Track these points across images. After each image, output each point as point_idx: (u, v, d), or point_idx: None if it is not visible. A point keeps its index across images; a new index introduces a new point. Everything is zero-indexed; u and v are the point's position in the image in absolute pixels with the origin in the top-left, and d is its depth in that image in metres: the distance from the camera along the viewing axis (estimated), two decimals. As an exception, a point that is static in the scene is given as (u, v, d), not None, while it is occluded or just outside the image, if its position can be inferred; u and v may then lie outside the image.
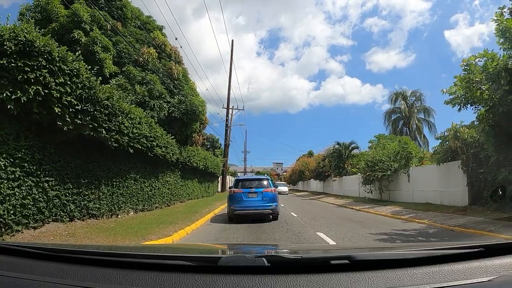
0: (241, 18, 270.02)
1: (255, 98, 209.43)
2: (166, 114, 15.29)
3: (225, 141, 35.24)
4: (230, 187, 13.29)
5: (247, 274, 1.16)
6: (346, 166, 30.89)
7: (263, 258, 1.21)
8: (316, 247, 3.94)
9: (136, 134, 10.50)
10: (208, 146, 62.70)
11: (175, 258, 1.38)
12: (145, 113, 11.58)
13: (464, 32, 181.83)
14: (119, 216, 11.38)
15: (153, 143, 12.33)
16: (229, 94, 35.25)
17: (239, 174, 79.40)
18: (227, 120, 35.27)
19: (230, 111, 37.01)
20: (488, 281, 1.10)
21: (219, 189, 35.35)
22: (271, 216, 11.62)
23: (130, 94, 13.77)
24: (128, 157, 11.49)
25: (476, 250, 1.32)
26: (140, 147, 10.97)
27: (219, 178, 35.47)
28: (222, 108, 36.86)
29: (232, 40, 37.11)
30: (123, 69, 15.03)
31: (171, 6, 32.40)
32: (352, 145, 31.98)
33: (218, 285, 1.10)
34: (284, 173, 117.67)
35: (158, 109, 14.73)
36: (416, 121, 34.47)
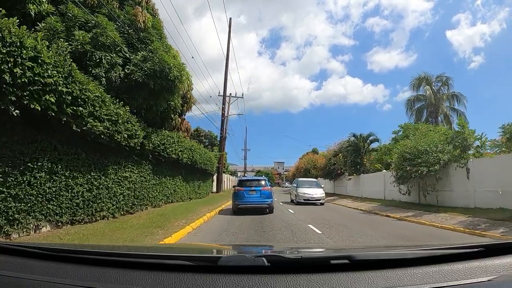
0: (242, 17, 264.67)
1: (256, 98, 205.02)
2: (122, 75, 10.20)
3: (221, 134, 30.11)
4: (233, 186, 15.33)
5: (247, 273, 1.15)
6: (364, 162, 25.78)
7: (263, 258, 1.20)
8: (316, 247, 3.76)
9: (23, 80, 5.38)
10: (207, 144, 58.32)
11: (175, 258, 1.37)
12: (52, 44, 6.44)
13: (465, 32, 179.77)
14: (13, 236, 6.34)
15: (81, 109, 7.23)
16: (226, 79, 30.17)
17: (239, 173, 75.67)
18: (223, 109, 30.16)
19: (227, 99, 31.90)
20: (488, 281, 1.08)
21: (214, 189, 30.23)
22: (267, 210, 13.68)
23: (61, 40, 8.67)
24: (27, 130, 6.44)
25: (476, 250, 1.30)
26: (39, 108, 5.85)
27: (214, 177, 30.35)
28: (218, 95, 31.80)
29: (230, 18, 31.97)
30: (59, 7, 9.93)
31: (170, 5, 26.92)
32: (371, 138, 26.85)
33: (218, 284, 1.08)
34: (286, 173, 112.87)
35: (107, 66, 9.63)
36: (445, 110, 29.34)
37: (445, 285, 1.07)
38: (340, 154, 27.82)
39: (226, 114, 30.54)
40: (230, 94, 32.57)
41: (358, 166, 25.57)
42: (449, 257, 1.26)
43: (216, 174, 30.03)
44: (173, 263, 1.27)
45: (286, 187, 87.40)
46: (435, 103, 29.74)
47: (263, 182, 14.54)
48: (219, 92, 31.88)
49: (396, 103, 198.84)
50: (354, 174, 25.58)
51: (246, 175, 62.32)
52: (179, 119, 15.51)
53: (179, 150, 15.03)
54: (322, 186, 22.02)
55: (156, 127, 13.24)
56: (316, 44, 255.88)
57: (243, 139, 72.08)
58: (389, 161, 18.41)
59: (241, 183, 14.58)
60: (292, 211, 15.74)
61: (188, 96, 16.10)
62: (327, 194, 34.82)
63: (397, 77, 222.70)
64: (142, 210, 12.38)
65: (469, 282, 1.08)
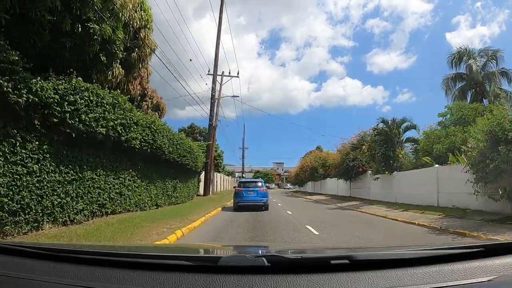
0: (242, 18, 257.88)
1: (255, 99, 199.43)
2: None
3: (210, 120, 23.67)
4: (234, 187, 18.18)
5: (247, 274, 1.13)
6: (399, 156, 19.43)
7: (263, 258, 1.18)
8: (317, 247, 3.63)
9: None
10: (202, 141, 53.07)
11: (175, 258, 1.37)
12: None
13: (465, 34, 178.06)
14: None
15: None
16: (217, 50, 23.73)
17: (236, 174, 69.63)
18: (213, 89, 23.73)
19: (219, 78, 25.53)
20: (488, 281, 1.07)
21: (201, 191, 23.77)
22: (263, 208, 15.28)
23: None
24: None
25: (476, 250, 1.30)
26: None
27: (202, 176, 23.90)
28: (207, 74, 25.40)
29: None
30: None
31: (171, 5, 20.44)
32: (406, 124, 20.42)
33: (218, 284, 1.07)
34: (285, 174, 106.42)
35: None
36: (496, 90, 23.01)
37: (445, 285, 1.05)
38: (364, 146, 21.38)
39: (216, 96, 24.10)
40: (223, 72, 26.18)
41: (392, 161, 19.14)
42: (449, 257, 1.24)
43: (204, 172, 23.60)
44: (173, 263, 1.26)
45: (288, 188, 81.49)
46: (481, 81, 23.42)
47: (259, 184, 16.48)
48: (209, 70, 25.52)
49: (395, 105, 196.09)
50: (386, 172, 19.12)
51: (244, 176, 57.68)
52: (123, 71, 9.05)
53: (118, 123, 8.58)
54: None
55: (67, 72, 6.86)
56: (315, 45, 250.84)
57: (241, 139, 65.65)
58: (461, 147, 11.92)
59: (240, 184, 16.69)
60: (317, 233, 9.35)
61: (142, 35, 9.68)
62: (341, 198, 28.39)
63: (397, 78, 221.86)
64: (17, 235, 5.98)
65: (469, 282, 1.07)
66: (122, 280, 1.13)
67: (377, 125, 20.28)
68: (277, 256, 1.31)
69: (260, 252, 1.80)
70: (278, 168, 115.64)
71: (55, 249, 1.43)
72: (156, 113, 16.09)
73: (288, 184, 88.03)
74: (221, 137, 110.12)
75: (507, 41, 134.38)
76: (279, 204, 21.17)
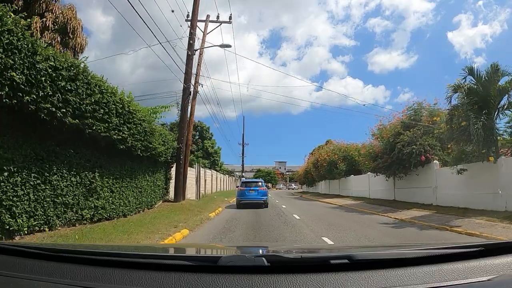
0: (242, 17, 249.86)
1: (256, 99, 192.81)
2: None
3: (185, 82, 15.24)
4: (237, 186, 22.26)
5: (247, 273, 1.13)
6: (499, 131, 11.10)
7: (263, 258, 1.18)
8: (316, 247, 3.67)
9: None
10: (197, 137, 44.71)
11: (175, 257, 1.39)
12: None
13: (467, 33, 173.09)
14: None
15: None
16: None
17: (236, 173, 66.25)
18: (191, 35, 15.40)
19: (203, 24, 17.26)
20: (488, 280, 1.06)
21: (172, 195, 15.36)
22: (263, 205, 16.66)
23: None
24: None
25: (475, 249, 1.28)
26: None
27: (173, 170, 15.56)
28: (186, 20, 17.14)
29: None
30: None
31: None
32: (506, 78, 11.94)
33: (218, 284, 1.07)
34: (288, 173, 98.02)
35: None
36: None
37: (445, 284, 1.04)
38: (438, 117, 12.93)
39: (196, 46, 15.72)
40: (208, 16, 17.85)
41: (496, 139, 10.79)
42: (449, 257, 1.22)
43: (175, 164, 15.22)
44: (173, 263, 1.25)
45: (292, 188, 73.55)
46: None
47: (260, 183, 17.94)
48: (187, 15, 17.26)
49: (397, 104, 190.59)
50: (490, 158, 10.70)
51: (243, 174, 52.67)
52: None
53: None
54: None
55: None
56: (316, 44, 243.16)
57: (241, 135, 57.93)
58: None
59: (243, 184, 18.26)
60: None
61: None
62: (381, 203, 20.09)
63: (398, 78, 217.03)
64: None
65: (469, 281, 1.06)
66: (122, 280, 1.13)
67: (463, 79, 11.89)
68: (277, 256, 1.33)
69: (260, 252, 1.81)
70: (280, 167, 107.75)
71: (55, 249, 1.42)
72: (59, 37, 7.85)
73: (292, 184, 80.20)
74: (219, 136, 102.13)
75: (509, 40, 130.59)
76: (295, 216, 12.89)
